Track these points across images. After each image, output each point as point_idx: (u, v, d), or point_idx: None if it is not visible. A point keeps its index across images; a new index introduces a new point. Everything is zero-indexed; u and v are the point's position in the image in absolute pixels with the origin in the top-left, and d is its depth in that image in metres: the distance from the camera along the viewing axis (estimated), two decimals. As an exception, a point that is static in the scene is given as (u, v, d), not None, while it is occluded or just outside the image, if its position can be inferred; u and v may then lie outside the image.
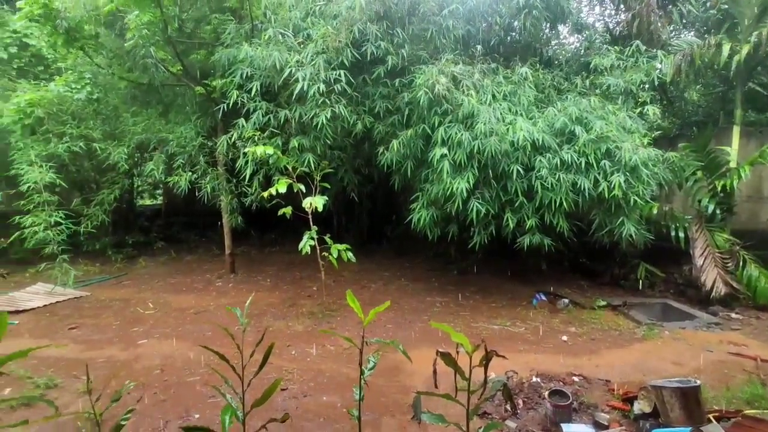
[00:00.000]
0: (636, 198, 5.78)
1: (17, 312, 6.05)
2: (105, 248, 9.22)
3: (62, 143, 7.30)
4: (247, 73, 6.39)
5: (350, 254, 6.03)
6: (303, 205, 6.11)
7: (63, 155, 7.30)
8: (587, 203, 5.99)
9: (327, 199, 6.29)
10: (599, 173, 5.82)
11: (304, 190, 6.21)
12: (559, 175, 5.75)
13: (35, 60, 9.20)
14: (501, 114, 6.00)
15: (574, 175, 5.81)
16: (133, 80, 7.87)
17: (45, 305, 6.42)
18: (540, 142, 5.80)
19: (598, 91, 6.89)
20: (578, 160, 5.81)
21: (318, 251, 6.15)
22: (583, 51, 8.11)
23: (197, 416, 3.56)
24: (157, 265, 9.17)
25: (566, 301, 6.69)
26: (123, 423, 1.98)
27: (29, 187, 6.76)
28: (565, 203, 5.73)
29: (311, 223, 6.17)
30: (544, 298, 6.81)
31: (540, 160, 5.82)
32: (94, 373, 2.41)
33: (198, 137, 7.43)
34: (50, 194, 6.91)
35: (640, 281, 7.16)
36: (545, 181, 5.76)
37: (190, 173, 7.21)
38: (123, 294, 7.13)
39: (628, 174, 5.77)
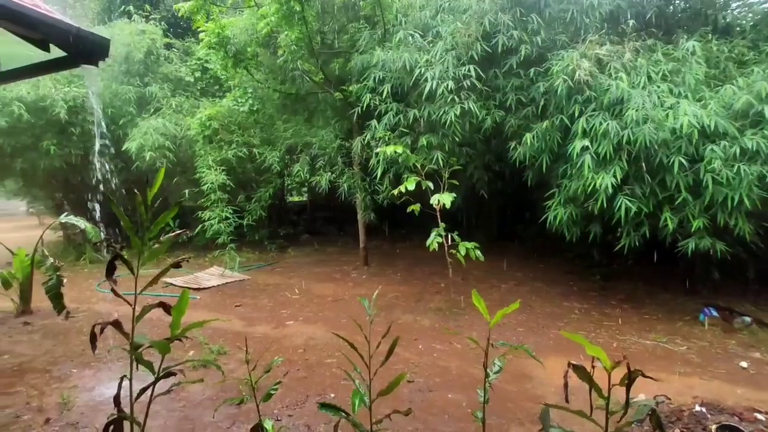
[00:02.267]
0: None
1: (198, 289, 7.40)
2: (262, 239, 10.68)
3: (231, 149, 8.78)
4: (379, 76, 6.69)
5: (478, 252, 5.91)
6: (431, 202, 6.19)
7: (231, 159, 8.75)
8: (780, 200, 4.82)
9: (455, 196, 6.26)
10: (800, 163, 4.63)
11: (433, 188, 6.28)
12: (738, 167, 4.71)
13: (213, 81, 11.14)
14: (658, 97, 5.18)
15: (760, 166, 4.71)
16: (284, 91, 8.96)
17: (218, 285, 7.72)
18: (711, 128, 4.84)
19: (799, 58, 5.48)
20: (767, 147, 4.71)
21: (446, 248, 6.16)
22: (778, 10, 6.51)
23: (332, 395, 3.89)
24: (302, 255, 10.27)
25: (748, 319, 5.49)
26: (272, 392, 2.27)
27: (207, 187, 8.28)
28: (746, 201, 4.68)
29: (439, 220, 6.21)
30: (715, 313, 5.69)
31: (711, 150, 4.85)
32: (251, 346, 2.81)
33: (336, 140, 8.13)
34: (222, 193, 8.39)
35: None
36: (718, 175, 4.78)
37: (329, 173, 7.95)
38: (275, 280, 8.16)
39: None
